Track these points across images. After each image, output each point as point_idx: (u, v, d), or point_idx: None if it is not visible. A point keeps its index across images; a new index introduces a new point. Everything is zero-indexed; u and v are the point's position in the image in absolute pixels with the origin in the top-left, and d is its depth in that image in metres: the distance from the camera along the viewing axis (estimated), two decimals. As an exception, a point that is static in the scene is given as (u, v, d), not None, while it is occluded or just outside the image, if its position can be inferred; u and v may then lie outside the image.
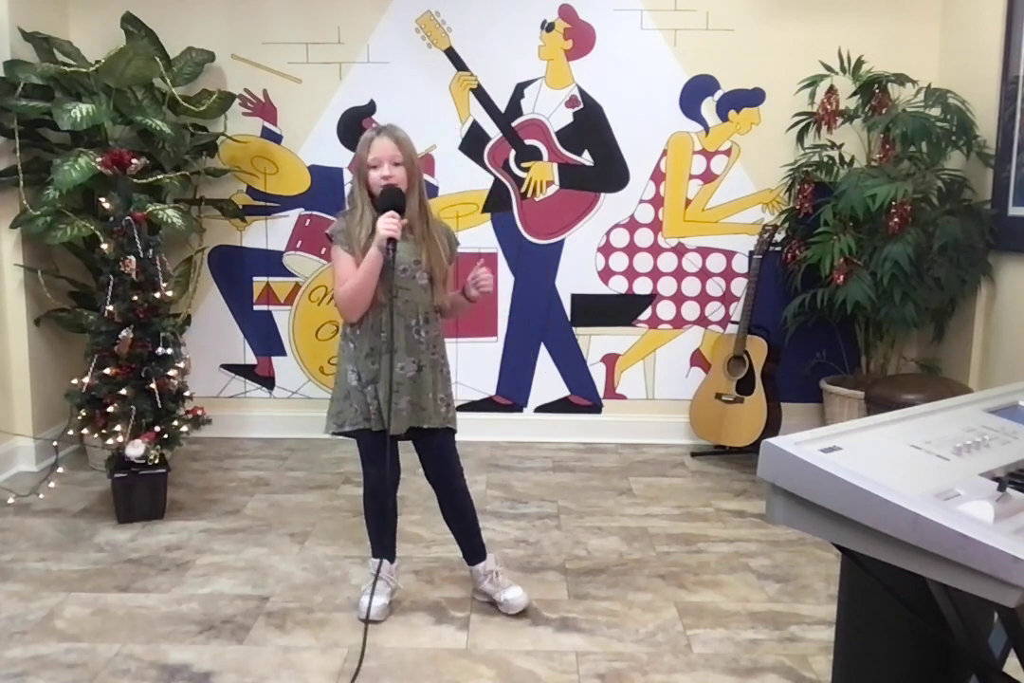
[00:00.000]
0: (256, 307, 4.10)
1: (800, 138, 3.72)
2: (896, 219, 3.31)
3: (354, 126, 3.94)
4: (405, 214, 2.26)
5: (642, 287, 4.04)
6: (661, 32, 3.86)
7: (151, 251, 3.04)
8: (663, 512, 3.22)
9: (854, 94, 3.61)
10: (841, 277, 3.42)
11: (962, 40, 3.66)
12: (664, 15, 3.84)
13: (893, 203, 3.27)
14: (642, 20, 3.85)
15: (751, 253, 3.85)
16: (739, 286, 3.99)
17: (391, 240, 2.20)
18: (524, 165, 3.97)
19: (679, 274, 4.03)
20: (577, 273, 4.03)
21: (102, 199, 3.05)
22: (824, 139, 3.68)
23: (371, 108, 3.94)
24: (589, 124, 3.93)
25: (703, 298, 4.04)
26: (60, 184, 3.19)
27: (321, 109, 3.94)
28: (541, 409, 4.14)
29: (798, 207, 3.71)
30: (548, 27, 3.88)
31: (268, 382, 4.14)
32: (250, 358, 4.12)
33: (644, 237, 4.00)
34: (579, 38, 3.88)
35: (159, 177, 3.52)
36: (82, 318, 3.54)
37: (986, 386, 3.31)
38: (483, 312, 4.01)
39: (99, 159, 3.05)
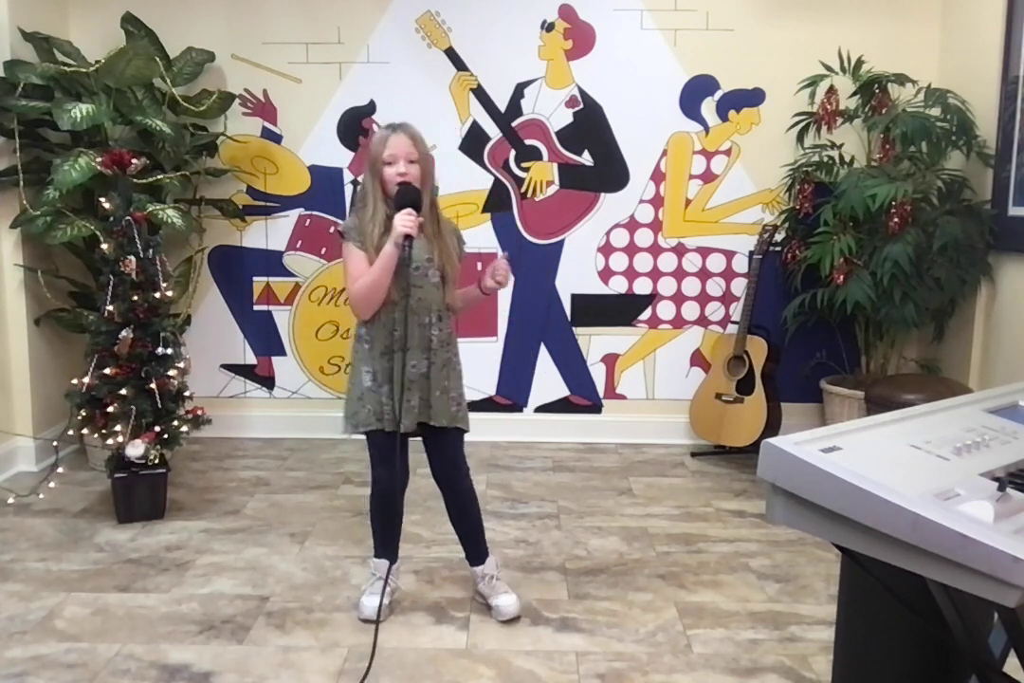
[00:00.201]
0: (256, 307, 4.10)
1: (800, 138, 3.72)
2: (896, 219, 3.31)
3: (354, 126, 3.94)
4: (420, 212, 2.26)
5: (642, 287, 4.04)
6: (661, 32, 3.86)
7: (151, 251, 3.04)
8: (663, 512, 3.22)
9: (854, 94, 3.61)
10: (841, 277, 3.42)
11: (962, 40, 3.66)
12: (664, 15, 3.84)
13: (893, 203, 3.27)
14: (642, 20, 3.85)
15: (751, 253, 3.85)
16: (739, 286, 3.99)
17: (408, 237, 2.19)
18: (524, 165, 3.97)
19: (679, 274, 4.03)
20: (577, 273, 4.03)
21: (102, 199, 3.06)
22: (824, 139, 3.68)
23: (371, 108, 3.94)
24: (589, 124, 3.93)
25: (703, 298, 4.04)
26: (60, 184, 3.20)
27: (321, 109, 3.94)
28: (541, 409, 4.14)
29: (798, 207, 3.71)
30: (548, 27, 3.88)
31: (268, 382, 4.14)
32: (250, 358, 4.12)
33: (644, 237, 4.00)
34: (579, 38, 3.88)
35: (159, 177, 3.53)
36: (82, 318, 3.54)
37: (986, 386, 3.31)
38: (483, 312, 4.01)
39: (99, 159, 3.05)
